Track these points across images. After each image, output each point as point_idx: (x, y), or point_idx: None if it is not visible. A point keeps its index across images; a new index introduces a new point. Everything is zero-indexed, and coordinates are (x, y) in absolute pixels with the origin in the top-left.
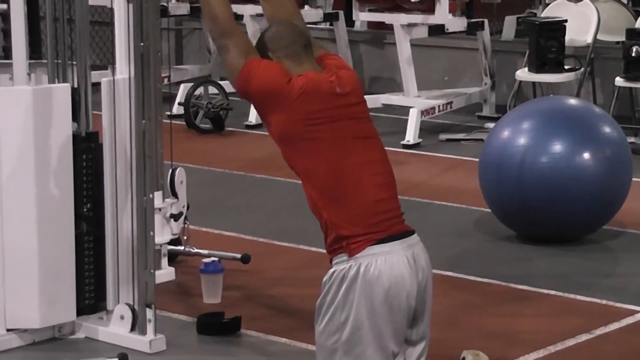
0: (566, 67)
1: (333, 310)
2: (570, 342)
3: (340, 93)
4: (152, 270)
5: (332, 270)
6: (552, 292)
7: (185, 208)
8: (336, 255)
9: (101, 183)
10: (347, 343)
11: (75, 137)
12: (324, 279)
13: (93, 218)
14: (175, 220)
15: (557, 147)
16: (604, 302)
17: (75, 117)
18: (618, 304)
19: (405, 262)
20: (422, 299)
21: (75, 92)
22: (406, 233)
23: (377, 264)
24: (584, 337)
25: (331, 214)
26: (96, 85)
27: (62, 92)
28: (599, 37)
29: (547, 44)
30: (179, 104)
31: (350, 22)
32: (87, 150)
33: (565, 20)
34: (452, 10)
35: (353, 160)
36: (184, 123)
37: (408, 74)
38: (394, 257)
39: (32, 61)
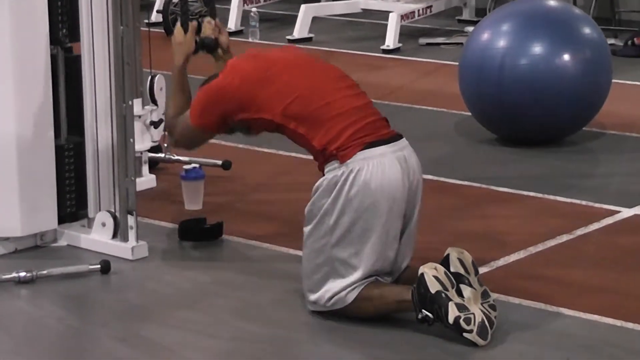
0: None
1: (322, 214)
2: (551, 243)
3: None
4: (132, 178)
5: (322, 178)
6: (533, 194)
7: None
8: (328, 163)
9: (80, 91)
10: (336, 246)
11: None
12: (315, 185)
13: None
14: (155, 128)
15: (537, 48)
16: (584, 202)
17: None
18: (598, 205)
19: (396, 164)
20: (412, 200)
21: None
22: (395, 137)
23: (368, 167)
24: (564, 238)
25: (320, 138)
26: None
27: None
28: None
29: None
30: (157, 11)
31: None
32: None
33: None
34: None
35: (323, 86)
36: (163, 31)
37: None
38: (386, 159)
39: None
